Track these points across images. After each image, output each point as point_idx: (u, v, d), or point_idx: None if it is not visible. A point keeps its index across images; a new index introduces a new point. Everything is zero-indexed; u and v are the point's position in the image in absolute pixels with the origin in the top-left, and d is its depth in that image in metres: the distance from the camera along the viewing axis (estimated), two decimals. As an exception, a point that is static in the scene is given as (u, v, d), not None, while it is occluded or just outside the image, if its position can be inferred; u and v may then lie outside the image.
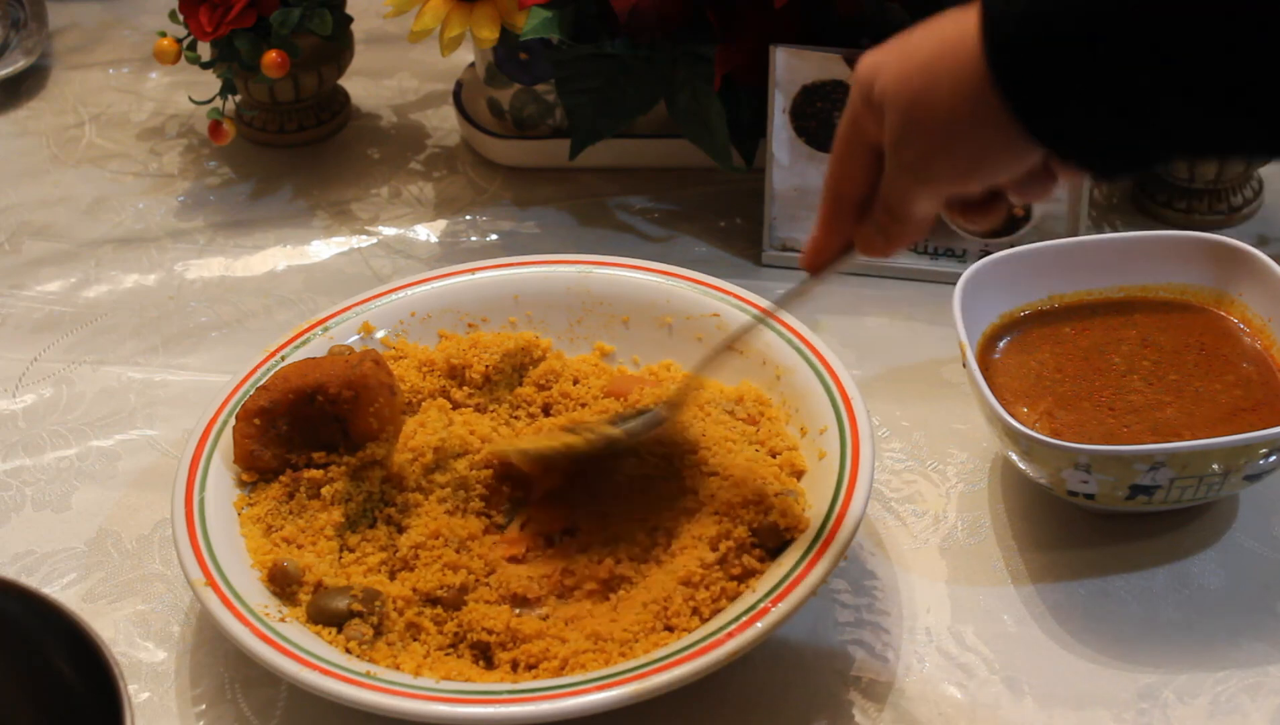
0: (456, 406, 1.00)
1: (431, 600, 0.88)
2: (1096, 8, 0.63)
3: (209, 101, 1.26)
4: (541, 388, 1.01)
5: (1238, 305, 1.00)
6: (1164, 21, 0.62)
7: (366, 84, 1.39)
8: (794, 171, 1.15)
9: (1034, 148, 0.68)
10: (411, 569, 0.89)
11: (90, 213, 1.27)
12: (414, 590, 0.88)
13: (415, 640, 0.87)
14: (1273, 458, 0.90)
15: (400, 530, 0.92)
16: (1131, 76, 0.64)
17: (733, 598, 0.86)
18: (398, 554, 0.90)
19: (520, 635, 0.86)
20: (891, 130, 0.72)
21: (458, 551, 0.90)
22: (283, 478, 0.93)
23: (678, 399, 0.94)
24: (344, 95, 1.36)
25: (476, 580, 0.89)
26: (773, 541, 0.88)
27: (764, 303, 1.01)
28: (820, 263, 0.82)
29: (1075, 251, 1.02)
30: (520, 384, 1.02)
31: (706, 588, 0.86)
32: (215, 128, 1.26)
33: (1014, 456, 0.93)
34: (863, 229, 0.78)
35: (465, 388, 1.01)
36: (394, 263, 1.21)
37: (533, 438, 0.95)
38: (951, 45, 0.68)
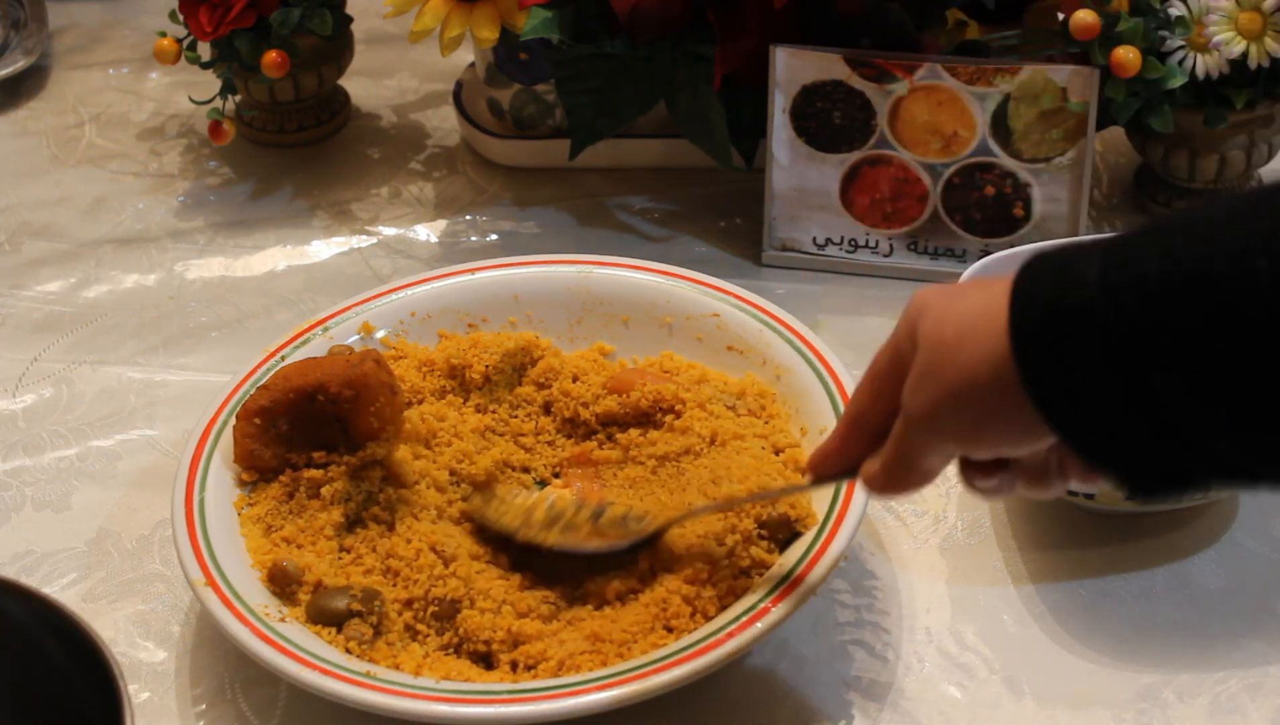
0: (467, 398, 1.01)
1: (426, 607, 0.88)
2: (1113, 312, 0.62)
3: (209, 101, 1.26)
4: (541, 386, 1.01)
5: (1238, 305, 1.00)
6: (1188, 341, 0.61)
7: (366, 84, 1.39)
8: (794, 171, 1.15)
9: (1045, 432, 0.66)
10: (402, 579, 0.89)
11: (90, 213, 1.27)
12: (407, 602, 0.88)
13: (415, 640, 0.87)
14: (1273, 458, 0.90)
15: (391, 529, 0.92)
16: (1147, 383, 0.62)
17: (739, 594, 0.86)
18: (387, 562, 0.90)
19: (520, 637, 0.86)
20: (915, 372, 0.71)
21: (447, 564, 0.89)
22: (283, 477, 0.93)
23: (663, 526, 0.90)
24: (344, 95, 1.36)
25: (469, 590, 0.88)
26: (783, 533, 0.88)
27: (765, 304, 1.02)
28: (825, 473, 0.82)
29: (1075, 251, 1.02)
30: (520, 384, 1.02)
31: (714, 584, 0.86)
32: (215, 128, 1.26)
33: (1014, 456, 0.93)
34: (870, 462, 0.77)
35: (466, 390, 1.01)
36: (394, 263, 1.21)
37: (506, 514, 0.93)
38: (989, 307, 0.67)
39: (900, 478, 0.76)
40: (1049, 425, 0.66)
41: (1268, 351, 0.59)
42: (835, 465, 0.80)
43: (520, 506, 0.92)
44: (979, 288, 0.70)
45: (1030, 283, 0.66)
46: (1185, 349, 0.61)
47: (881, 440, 0.76)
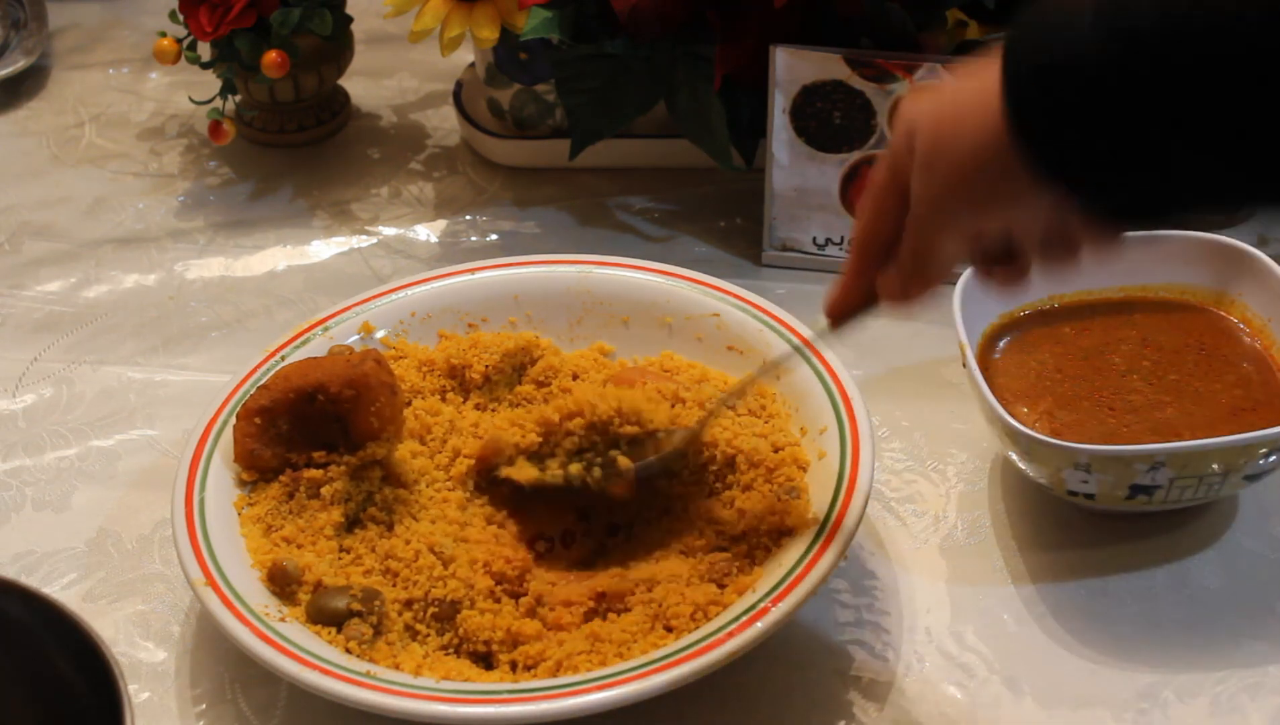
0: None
1: (425, 608, 0.88)
2: (1107, 61, 0.64)
3: (209, 101, 1.26)
4: (541, 385, 1.01)
5: (1238, 305, 1.00)
6: (1175, 73, 0.63)
7: (366, 84, 1.39)
8: (794, 171, 1.15)
9: (1045, 186, 0.68)
10: (401, 580, 0.89)
11: (90, 213, 1.27)
12: (407, 603, 0.88)
13: (415, 641, 0.87)
14: (1273, 458, 0.90)
15: (390, 529, 0.92)
16: (1139, 122, 0.65)
17: (740, 592, 0.86)
18: (386, 563, 0.90)
19: (520, 637, 0.86)
20: (917, 163, 0.73)
21: (446, 565, 0.89)
22: (283, 477, 0.93)
23: (697, 428, 0.92)
24: (344, 95, 1.36)
25: (470, 590, 0.88)
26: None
27: (765, 304, 1.02)
28: (843, 310, 0.82)
29: (1075, 251, 1.02)
30: (520, 383, 1.02)
31: (726, 574, 0.87)
32: (215, 128, 1.26)
33: (1014, 456, 0.93)
34: (885, 275, 0.78)
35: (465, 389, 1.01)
36: (394, 263, 1.21)
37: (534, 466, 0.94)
38: (978, 85, 0.69)
39: (919, 274, 0.77)
40: (1044, 176, 0.68)
41: (1260, 98, 0.62)
42: (853, 296, 0.80)
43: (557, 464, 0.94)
44: (964, 72, 0.71)
45: (1021, 41, 0.68)
46: (1179, 96, 0.63)
47: (881, 254, 0.77)
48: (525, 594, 0.89)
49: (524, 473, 0.93)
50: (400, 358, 1.02)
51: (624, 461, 0.91)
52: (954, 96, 0.72)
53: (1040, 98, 0.66)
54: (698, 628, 0.85)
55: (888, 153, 0.76)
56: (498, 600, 0.88)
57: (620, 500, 0.92)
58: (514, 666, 0.86)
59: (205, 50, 1.25)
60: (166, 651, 0.92)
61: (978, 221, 0.74)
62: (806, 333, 0.99)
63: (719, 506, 0.91)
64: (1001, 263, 0.77)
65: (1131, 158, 0.66)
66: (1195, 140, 0.64)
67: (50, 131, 1.36)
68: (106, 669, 0.77)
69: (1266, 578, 0.93)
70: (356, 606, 0.86)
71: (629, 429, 0.92)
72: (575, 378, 1.01)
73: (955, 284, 0.98)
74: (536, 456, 0.94)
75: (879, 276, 0.79)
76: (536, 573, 0.90)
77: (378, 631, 0.87)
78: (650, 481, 0.92)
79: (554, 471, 0.92)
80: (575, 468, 0.92)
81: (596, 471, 0.92)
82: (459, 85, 1.32)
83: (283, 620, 0.86)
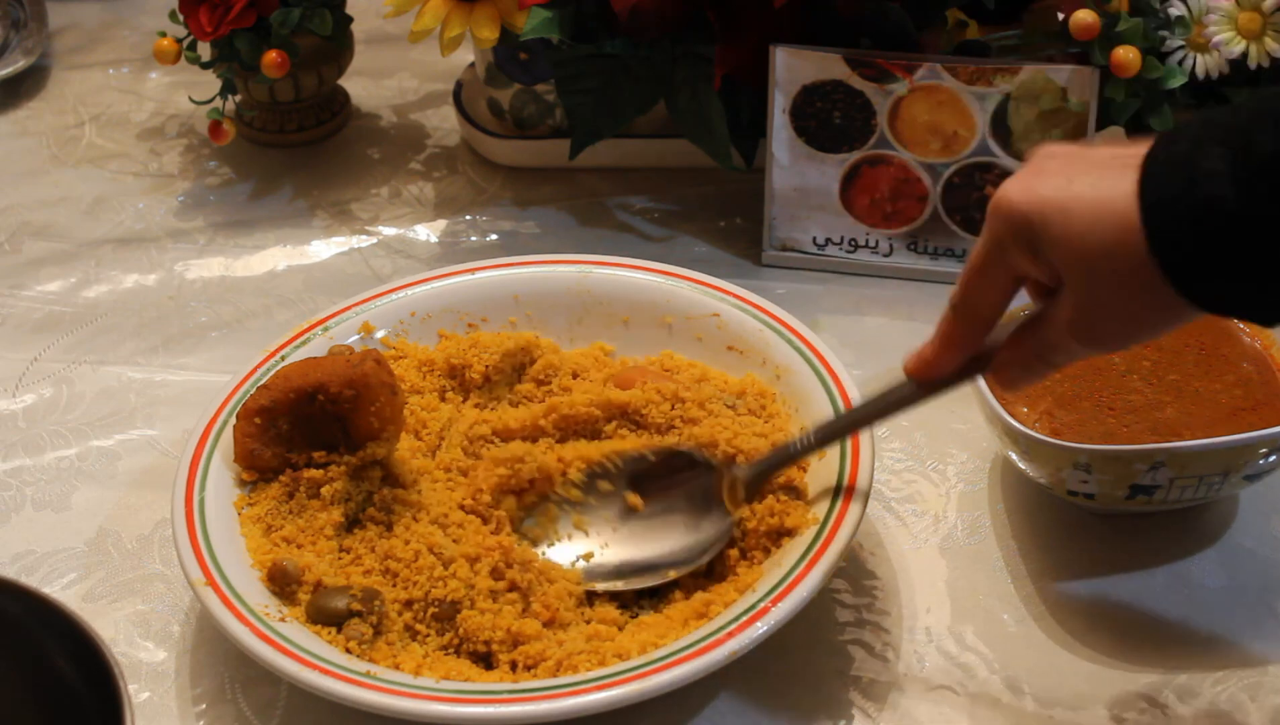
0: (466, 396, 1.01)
1: (425, 608, 0.88)
2: (1248, 196, 0.67)
3: (209, 101, 1.26)
4: (541, 383, 1.01)
5: (1238, 305, 1.00)
6: None
7: (366, 84, 1.39)
8: (794, 171, 1.15)
9: (1194, 312, 0.71)
10: (401, 581, 0.89)
11: (90, 213, 1.27)
12: (407, 603, 0.88)
13: (414, 640, 0.87)
14: (1273, 458, 0.90)
15: (390, 528, 0.92)
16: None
17: (740, 592, 0.86)
18: (386, 563, 0.90)
19: (520, 637, 0.86)
20: (1074, 288, 0.73)
21: (446, 565, 0.89)
22: (283, 477, 0.93)
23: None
24: (344, 95, 1.36)
25: (470, 590, 0.88)
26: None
27: (765, 304, 1.02)
28: (935, 376, 0.82)
29: (1075, 251, 1.02)
30: (520, 383, 1.02)
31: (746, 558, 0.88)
32: (215, 128, 1.26)
33: (1014, 456, 0.93)
34: (1005, 357, 0.79)
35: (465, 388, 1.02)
36: (394, 263, 1.21)
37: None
38: (1115, 210, 0.70)
39: (1041, 368, 0.79)
40: (1194, 306, 0.70)
41: None
42: (947, 366, 0.81)
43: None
44: (1088, 180, 0.72)
45: (1156, 185, 0.69)
46: None
47: (987, 331, 0.79)
48: (523, 586, 0.89)
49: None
50: (400, 358, 1.02)
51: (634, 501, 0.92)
52: (1089, 210, 0.71)
53: (1187, 237, 0.68)
54: (698, 627, 0.85)
55: (991, 238, 0.76)
56: (498, 600, 0.88)
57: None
58: (514, 666, 0.85)
59: (205, 50, 1.25)
60: (166, 651, 0.92)
61: (1125, 338, 0.76)
62: (797, 325, 1.00)
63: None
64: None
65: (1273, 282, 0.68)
66: None
67: (50, 131, 1.36)
68: (106, 669, 0.77)
69: (1266, 578, 0.93)
70: (356, 606, 0.86)
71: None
72: (575, 376, 1.01)
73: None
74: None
75: (998, 359, 0.80)
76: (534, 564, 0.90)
77: (378, 631, 0.87)
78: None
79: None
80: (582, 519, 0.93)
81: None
82: (459, 85, 1.32)
83: (283, 620, 0.86)
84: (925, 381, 0.83)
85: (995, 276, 0.77)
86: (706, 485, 0.92)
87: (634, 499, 0.93)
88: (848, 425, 0.90)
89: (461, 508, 0.92)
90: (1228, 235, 0.67)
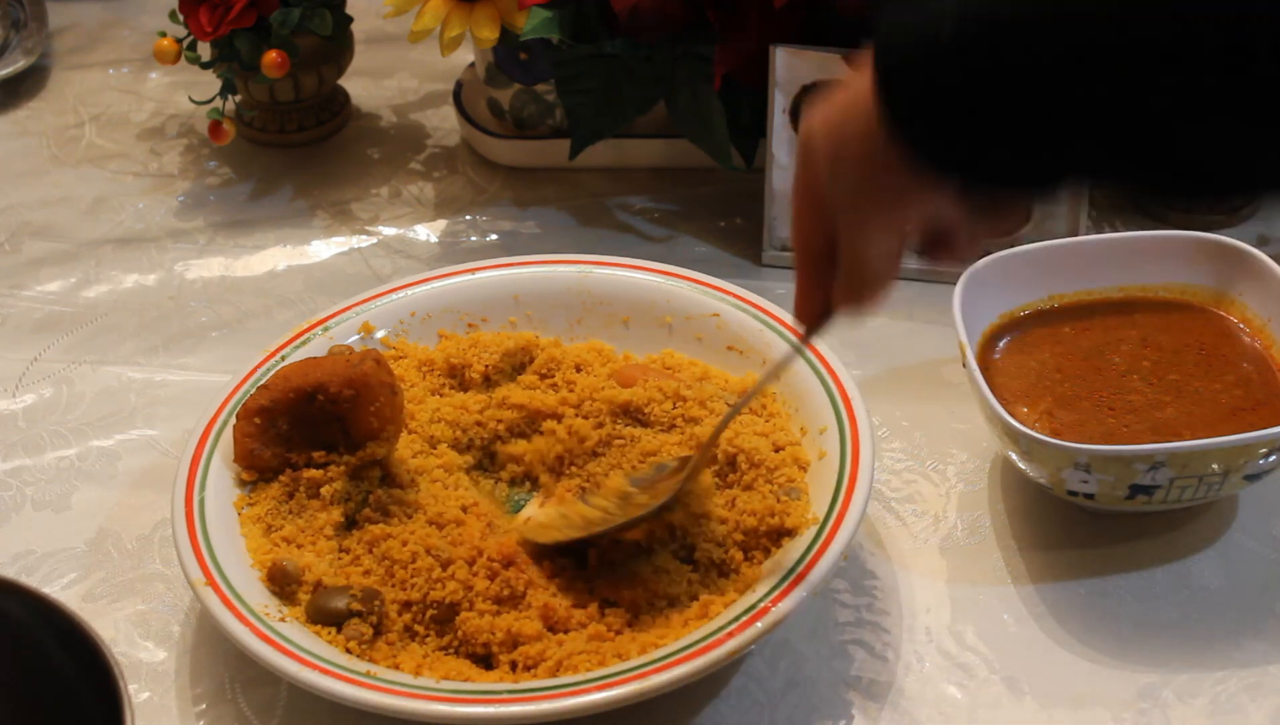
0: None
1: (424, 610, 0.88)
2: (964, 47, 0.67)
3: (209, 101, 1.26)
4: (544, 377, 1.01)
5: (1238, 305, 1.00)
6: (1025, 61, 0.66)
7: (366, 84, 1.39)
8: (794, 172, 1.15)
9: (922, 176, 0.71)
10: (398, 581, 0.89)
11: (90, 213, 1.27)
12: (405, 604, 0.88)
13: (414, 640, 0.87)
14: (1273, 458, 0.90)
15: (388, 529, 0.92)
16: (996, 104, 0.67)
17: (740, 592, 0.86)
18: (385, 564, 0.90)
19: (519, 638, 0.86)
20: (825, 174, 0.75)
21: (445, 567, 0.89)
22: (282, 477, 0.93)
23: (699, 460, 0.91)
24: (344, 95, 1.36)
25: (468, 590, 0.88)
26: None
27: (765, 304, 1.02)
28: (815, 321, 0.82)
29: (1075, 251, 1.02)
30: (523, 376, 1.02)
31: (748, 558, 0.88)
32: (215, 128, 1.26)
33: (1014, 456, 0.93)
34: (836, 287, 0.79)
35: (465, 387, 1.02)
36: (394, 263, 1.21)
37: (551, 522, 0.93)
38: (860, 86, 0.72)
39: (863, 279, 0.78)
40: (918, 165, 0.70)
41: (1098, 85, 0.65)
42: (815, 305, 0.81)
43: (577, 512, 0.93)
44: (847, 80, 0.74)
45: (889, 40, 0.70)
46: (1029, 82, 0.66)
47: (830, 267, 0.79)
48: (522, 591, 0.88)
49: (544, 534, 0.92)
50: (400, 358, 1.02)
51: (642, 504, 0.91)
52: (841, 101, 0.73)
53: (904, 87, 0.69)
54: (698, 627, 0.85)
55: (797, 167, 0.77)
56: (497, 602, 0.88)
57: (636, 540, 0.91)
58: (513, 667, 0.85)
59: (205, 50, 1.25)
60: (166, 651, 0.92)
61: (893, 218, 0.75)
62: (797, 325, 0.99)
63: (719, 507, 0.91)
64: (940, 246, 0.78)
65: (992, 137, 0.68)
66: (1054, 121, 0.67)
67: (50, 131, 1.36)
68: (106, 669, 0.77)
69: (1266, 578, 0.93)
70: (356, 606, 0.86)
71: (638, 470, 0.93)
72: (579, 370, 1.01)
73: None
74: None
75: (833, 288, 0.79)
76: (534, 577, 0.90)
77: (378, 631, 0.86)
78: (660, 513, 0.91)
79: (572, 524, 0.92)
80: (593, 514, 0.91)
81: (617, 516, 0.91)
82: (459, 85, 1.32)
83: (283, 620, 0.86)
84: (807, 326, 0.83)
85: (804, 209, 0.78)
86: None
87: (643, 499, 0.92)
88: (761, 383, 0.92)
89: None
90: (937, 75, 0.67)
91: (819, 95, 0.75)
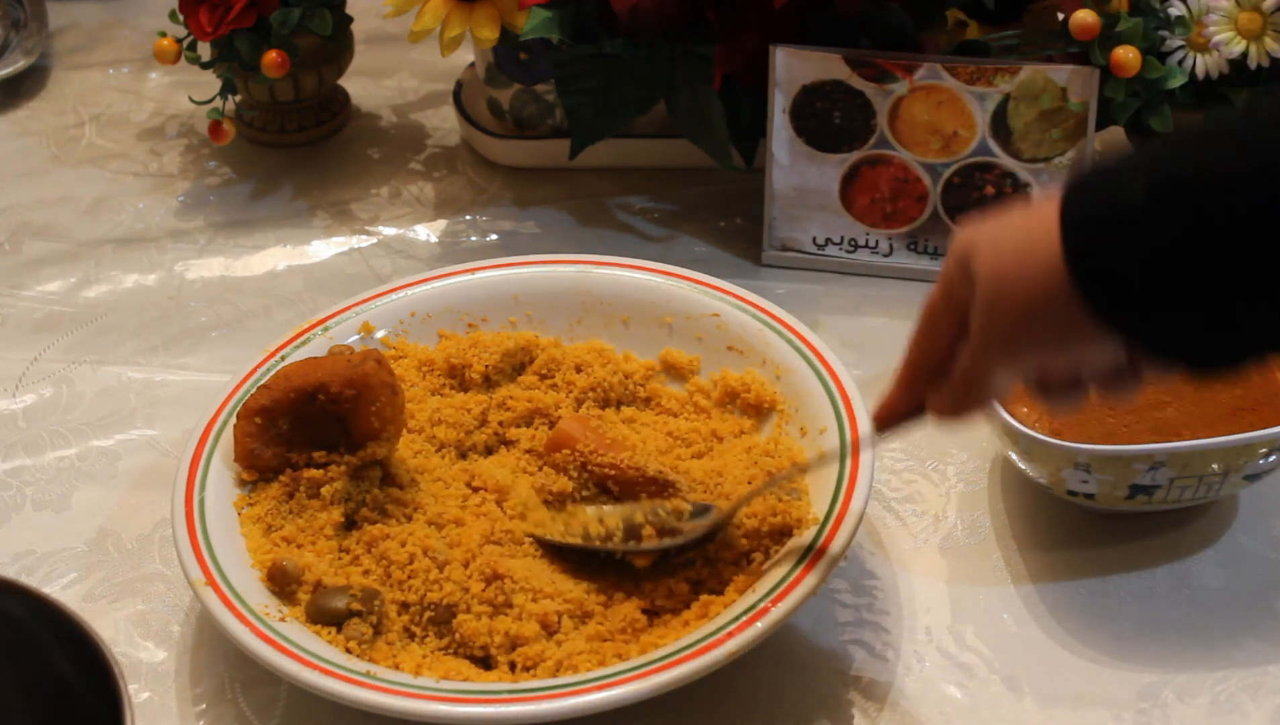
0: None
1: (422, 612, 0.88)
2: (1158, 212, 0.67)
3: (209, 101, 1.26)
4: (544, 377, 1.01)
5: (1238, 305, 1.00)
6: (1223, 224, 0.66)
7: (366, 84, 1.39)
8: (794, 171, 1.15)
9: (1111, 338, 0.70)
10: (395, 582, 0.89)
11: (90, 213, 1.27)
12: (404, 605, 0.88)
13: (413, 641, 0.87)
14: (1273, 458, 0.90)
15: (386, 529, 0.92)
16: (1198, 275, 0.67)
17: (740, 592, 0.86)
18: (384, 565, 0.90)
19: (518, 639, 0.86)
20: (980, 307, 0.74)
21: (442, 568, 0.89)
22: (283, 477, 0.93)
23: (729, 513, 0.90)
24: (344, 95, 1.36)
25: (465, 593, 0.88)
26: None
27: (765, 304, 1.02)
28: (891, 421, 0.82)
29: (1075, 251, 1.02)
30: (523, 376, 1.02)
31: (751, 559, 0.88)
32: (215, 128, 1.26)
33: (1014, 456, 0.93)
34: (937, 395, 0.79)
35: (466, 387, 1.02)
36: (394, 263, 1.21)
37: (567, 523, 0.93)
38: (1039, 232, 0.71)
39: (972, 398, 0.78)
40: (1107, 324, 0.69)
41: None
42: (902, 408, 0.81)
43: (580, 521, 0.93)
44: (1023, 215, 0.73)
45: (1079, 189, 0.70)
46: (1230, 247, 0.66)
47: (938, 380, 0.78)
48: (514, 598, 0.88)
49: (550, 529, 0.92)
50: (400, 358, 1.02)
51: (650, 537, 0.90)
52: (1015, 234, 0.72)
53: (1098, 246, 0.68)
54: (698, 627, 0.85)
55: (942, 282, 0.77)
56: (495, 605, 0.87)
57: (638, 567, 0.91)
58: (513, 667, 0.85)
59: (205, 50, 1.25)
60: (166, 651, 0.92)
61: (1038, 359, 0.75)
62: (797, 325, 1.00)
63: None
64: (1062, 391, 0.78)
65: (1190, 308, 0.68)
66: (1252, 291, 0.66)
67: (50, 131, 1.36)
68: (106, 669, 0.77)
69: (1266, 578, 0.93)
70: (356, 606, 0.86)
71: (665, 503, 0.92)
72: (579, 370, 1.01)
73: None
74: (565, 499, 0.94)
75: (930, 394, 0.79)
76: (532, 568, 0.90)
77: (377, 631, 0.87)
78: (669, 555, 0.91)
79: (578, 528, 0.92)
80: (598, 529, 0.92)
81: (619, 538, 0.91)
82: (459, 85, 1.32)
83: (283, 620, 0.86)
84: (884, 425, 0.83)
85: (944, 318, 0.77)
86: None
87: (650, 533, 0.91)
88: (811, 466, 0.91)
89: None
90: (1132, 245, 0.67)
91: (987, 216, 0.74)
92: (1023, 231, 0.72)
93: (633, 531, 0.90)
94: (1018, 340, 0.73)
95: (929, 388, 0.79)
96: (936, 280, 0.77)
